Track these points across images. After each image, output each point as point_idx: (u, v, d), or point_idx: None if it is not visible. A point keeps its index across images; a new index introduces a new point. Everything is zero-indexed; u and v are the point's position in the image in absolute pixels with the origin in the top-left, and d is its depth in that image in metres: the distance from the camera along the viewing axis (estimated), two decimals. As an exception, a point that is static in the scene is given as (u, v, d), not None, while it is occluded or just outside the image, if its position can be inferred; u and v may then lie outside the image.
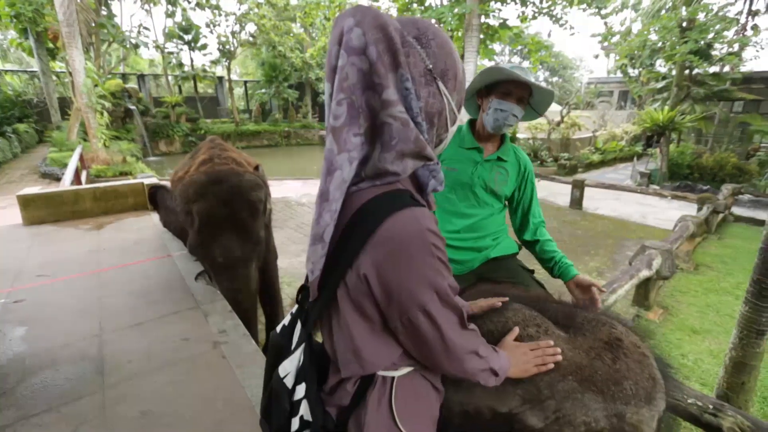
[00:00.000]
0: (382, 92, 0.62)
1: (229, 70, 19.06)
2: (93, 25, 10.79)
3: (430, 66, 0.68)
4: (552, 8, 9.19)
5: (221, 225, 2.26)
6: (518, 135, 15.10)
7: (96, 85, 9.03)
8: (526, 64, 30.24)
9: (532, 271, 1.66)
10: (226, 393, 1.72)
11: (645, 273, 3.66)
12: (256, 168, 2.71)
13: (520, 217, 1.64)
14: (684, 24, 10.65)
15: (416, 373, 0.77)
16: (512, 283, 1.46)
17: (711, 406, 1.80)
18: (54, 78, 14.10)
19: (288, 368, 0.77)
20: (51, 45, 12.11)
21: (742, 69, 12.72)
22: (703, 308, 4.19)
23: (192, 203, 2.29)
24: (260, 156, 15.46)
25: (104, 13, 12.35)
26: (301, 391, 0.75)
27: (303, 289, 0.84)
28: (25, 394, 1.73)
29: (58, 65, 13.79)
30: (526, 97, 1.42)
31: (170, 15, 16.69)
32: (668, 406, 0.84)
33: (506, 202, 1.65)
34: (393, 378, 0.74)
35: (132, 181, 5.36)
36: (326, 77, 0.67)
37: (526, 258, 1.74)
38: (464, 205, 1.54)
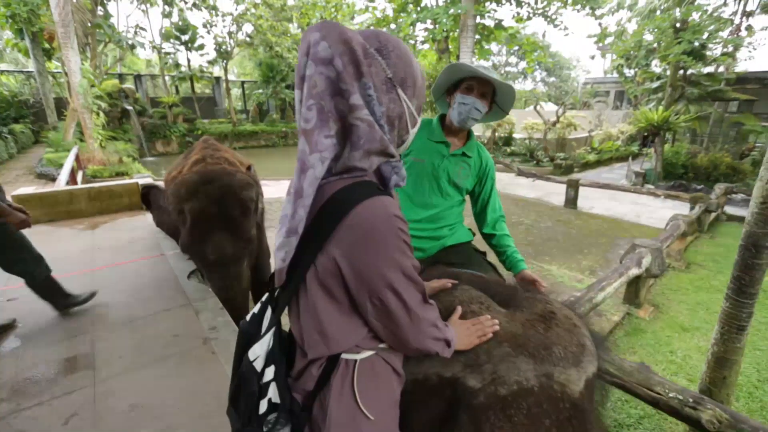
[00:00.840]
0: (349, 98, 0.68)
1: (226, 70, 19.07)
2: (89, 25, 10.79)
3: (390, 75, 0.73)
4: (547, 9, 9.26)
5: (213, 223, 2.30)
6: (515, 135, 15.18)
7: (92, 86, 9.04)
8: (522, 64, 30.34)
9: (485, 254, 1.77)
10: (215, 387, 1.76)
11: (634, 271, 3.70)
12: (249, 168, 2.75)
13: (480, 211, 1.75)
14: (678, 25, 10.73)
15: (377, 357, 0.81)
16: (464, 265, 1.53)
17: (691, 400, 1.86)
18: (50, 78, 14.08)
19: (258, 352, 0.81)
20: (47, 45, 12.11)
21: (737, 69, 12.82)
22: (693, 306, 4.23)
23: (184, 202, 2.33)
24: (257, 156, 15.47)
25: (100, 13, 12.36)
26: (270, 373, 0.79)
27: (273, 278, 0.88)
28: (18, 388, 1.77)
29: (54, 65, 13.77)
30: (489, 93, 1.51)
31: (167, 15, 16.69)
32: (602, 369, 0.96)
33: (467, 196, 1.76)
34: (355, 361, 0.78)
35: (127, 181, 5.39)
36: (296, 85, 0.73)
37: (480, 242, 1.85)
38: (428, 196, 1.63)
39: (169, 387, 1.78)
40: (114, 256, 3.46)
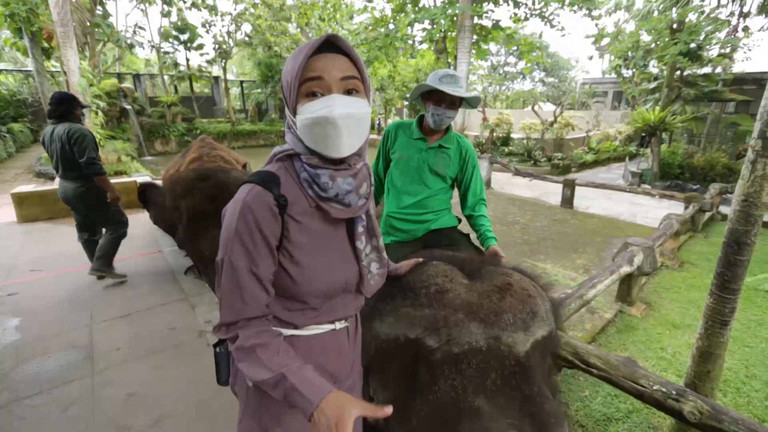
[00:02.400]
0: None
1: (225, 70, 19.09)
2: (88, 24, 10.83)
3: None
4: (544, 10, 9.29)
5: (208, 220, 2.35)
6: (512, 135, 15.23)
7: (91, 85, 9.06)
8: (521, 64, 30.36)
9: (468, 236, 1.93)
10: (209, 377, 1.80)
11: (626, 269, 3.74)
12: (244, 166, 2.81)
13: (463, 194, 1.92)
14: (674, 26, 10.78)
15: None
16: (450, 247, 1.70)
17: (674, 392, 1.90)
18: (49, 77, 14.05)
19: None
20: (46, 45, 12.09)
21: (734, 70, 12.86)
22: (685, 304, 4.27)
23: (180, 199, 2.38)
24: (256, 155, 15.47)
25: (99, 12, 12.39)
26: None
27: None
28: (18, 378, 1.81)
29: (52, 65, 13.76)
30: (458, 100, 1.69)
31: (166, 15, 16.70)
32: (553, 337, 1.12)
33: (453, 184, 1.93)
34: None
35: (125, 179, 5.44)
36: None
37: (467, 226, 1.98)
38: (412, 185, 1.82)
39: (165, 377, 1.83)
40: (112, 252, 3.49)
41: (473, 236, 1.95)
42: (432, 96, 1.68)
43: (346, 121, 0.79)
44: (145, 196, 3.14)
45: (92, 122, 9.16)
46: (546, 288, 1.22)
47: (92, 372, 1.87)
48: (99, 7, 12.28)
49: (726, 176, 10.81)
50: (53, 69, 14.20)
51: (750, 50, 12.82)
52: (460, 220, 1.98)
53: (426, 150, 1.80)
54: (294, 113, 0.81)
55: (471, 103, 1.76)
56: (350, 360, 1.01)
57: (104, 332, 2.21)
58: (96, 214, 3.12)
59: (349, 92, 0.81)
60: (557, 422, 0.96)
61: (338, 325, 0.95)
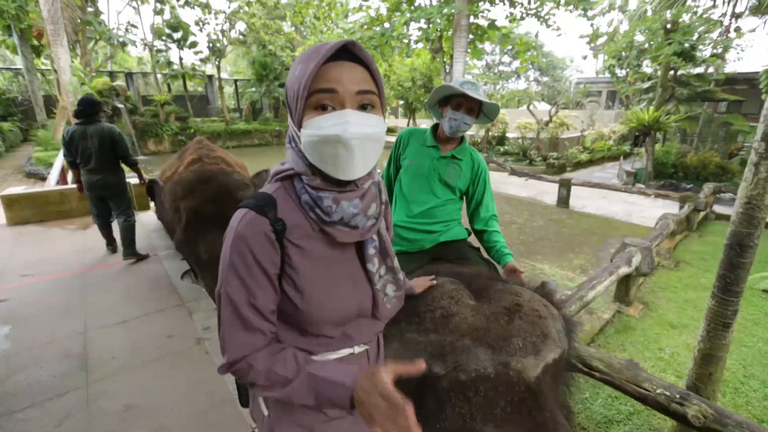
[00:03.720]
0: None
1: (219, 68, 18.93)
2: (79, 22, 10.67)
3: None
4: (540, 9, 9.30)
5: (208, 222, 2.31)
6: (508, 134, 15.28)
7: (82, 84, 8.94)
8: (516, 63, 30.46)
9: (479, 249, 1.91)
10: (208, 387, 1.76)
11: (624, 270, 3.75)
12: (259, 174, 2.74)
13: (474, 209, 1.89)
14: (668, 26, 10.85)
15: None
16: (460, 261, 1.69)
17: (678, 396, 1.90)
18: (39, 76, 13.86)
19: None
20: (35, 42, 11.92)
21: (726, 70, 13.00)
22: (682, 304, 4.29)
23: (180, 200, 2.35)
24: (252, 155, 15.39)
25: (90, 10, 12.22)
26: None
27: None
28: (9, 390, 1.76)
29: (42, 63, 13.57)
30: (476, 108, 1.66)
31: (159, 12, 16.52)
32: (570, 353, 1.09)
33: (462, 196, 1.90)
34: None
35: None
36: None
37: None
38: (421, 194, 1.79)
39: (163, 387, 1.78)
40: (106, 256, 3.44)
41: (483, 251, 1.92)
42: (450, 101, 1.67)
43: (361, 142, 0.71)
44: (152, 190, 3.09)
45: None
46: (558, 305, 1.19)
47: (87, 383, 1.81)
48: (90, 5, 12.10)
49: (719, 175, 10.91)
50: (43, 67, 14.01)
51: (743, 50, 12.97)
52: (470, 233, 1.95)
53: (438, 159, 1.77)
54: (299, 126, 0.72)
55: (488, 114, 1.73)
56: None
57: (99, 340, 2.16)
58: (121, 198, 3.67)
59: (363, 107, 0.73)
60: None
61: (357, 349, 0.88)
